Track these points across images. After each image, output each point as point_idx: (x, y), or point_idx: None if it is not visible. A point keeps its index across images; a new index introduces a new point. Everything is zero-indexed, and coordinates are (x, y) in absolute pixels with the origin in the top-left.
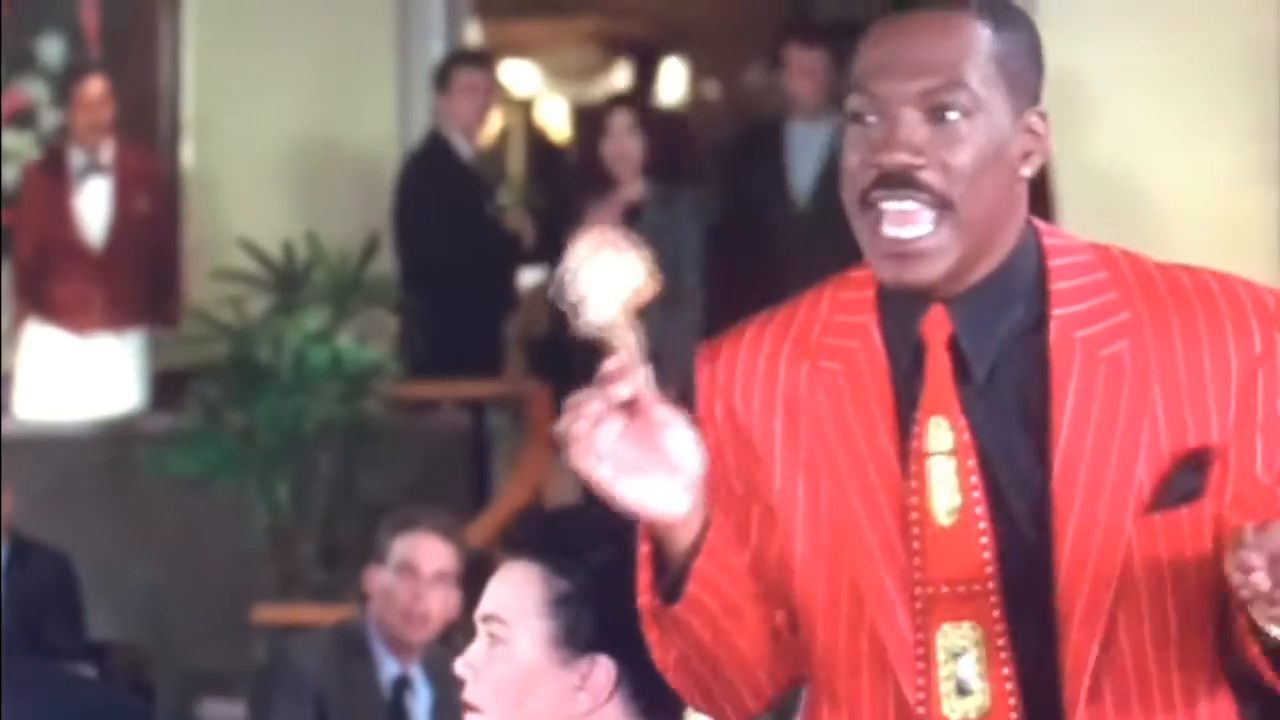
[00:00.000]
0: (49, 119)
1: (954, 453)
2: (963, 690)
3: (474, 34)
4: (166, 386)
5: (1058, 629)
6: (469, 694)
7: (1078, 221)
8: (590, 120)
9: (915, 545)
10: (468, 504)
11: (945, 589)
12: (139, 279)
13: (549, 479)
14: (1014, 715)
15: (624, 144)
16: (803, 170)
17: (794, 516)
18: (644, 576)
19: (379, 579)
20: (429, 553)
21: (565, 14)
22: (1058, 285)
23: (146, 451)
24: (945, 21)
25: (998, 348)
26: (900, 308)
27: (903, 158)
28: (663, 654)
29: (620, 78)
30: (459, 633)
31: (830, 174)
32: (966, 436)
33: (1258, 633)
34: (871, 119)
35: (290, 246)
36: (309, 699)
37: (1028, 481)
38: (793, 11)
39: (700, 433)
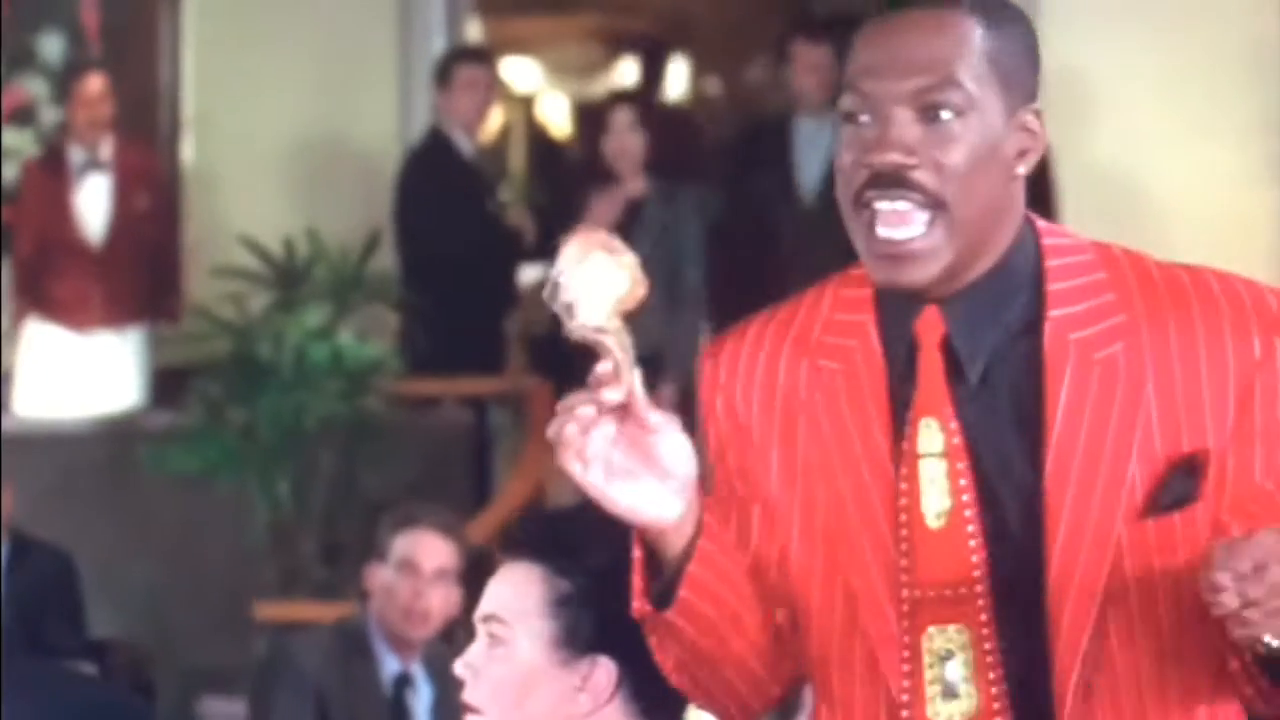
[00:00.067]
0: (49, 116)
1: (945, 455)
2: (949, 693)
3: (475, 30)
4: (167, 384)
5: (1048, 632)
6: (468, 695)
7: (1080, 220)
8: (591, 117)
9: (904, 547)
10: (469, 501)
11: (933, 592)
12: (139, 276)
13: (550, 476)
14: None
15: (625, 141)
16: (809, 167)
17: (791, 516)
18: (637, 582)
19: (380, 576)
20: (430, 550)
21: (566, 10)
22: (1054, 286)
23: (147, 449)
24: (938, 20)
25: (992, 348)
26: (897, 307)
27: (895, 158)
28: (662, 657)
29: (621, 74)
30: (460, 630)
31: None
32: (958, 440)
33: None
34: (864, 118)
35: (291, 243)
36: (310, 696)
37: (1020, 483)
38: (794, 7)
39: (703, 429)
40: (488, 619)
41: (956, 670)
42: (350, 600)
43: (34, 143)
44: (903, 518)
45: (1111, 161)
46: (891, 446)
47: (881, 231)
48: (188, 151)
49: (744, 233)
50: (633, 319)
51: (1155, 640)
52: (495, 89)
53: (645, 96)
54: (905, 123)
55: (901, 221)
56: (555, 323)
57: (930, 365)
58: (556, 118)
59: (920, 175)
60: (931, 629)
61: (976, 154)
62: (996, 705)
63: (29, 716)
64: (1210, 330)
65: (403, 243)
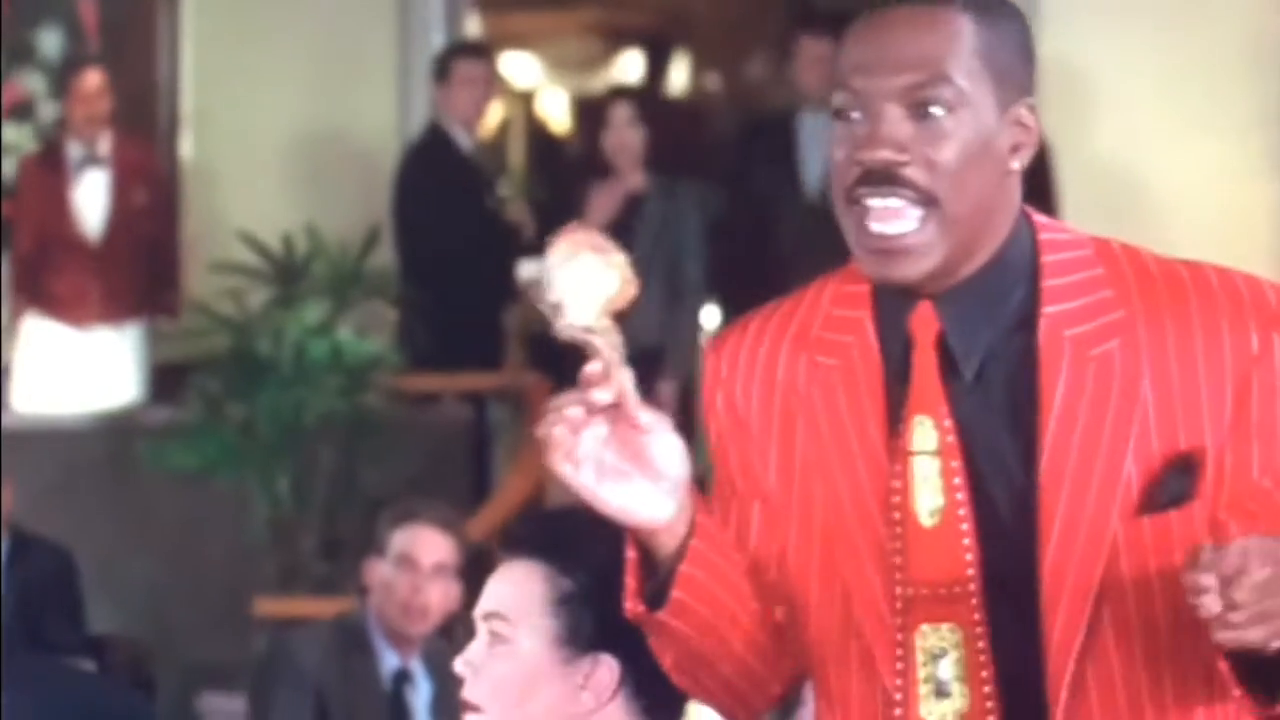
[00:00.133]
0: (47, 111)
1: (938, 453)
2: (941, 692)
3: (474, 26)
4: (166, 379)
5: (1041, 631)
6: (468, 692)
7: (1080, 215)
8: (591, 112)
9: (897, 545)
10: (468, 497)
11: (926, 590)
12: (137, 272)
13: (550, 472)
14: (993, 719)
15: (625, 136)
16: (814, 161)
17: (789, 513)
18: (630, 583)
19: (378, 571)
20: (428, 545)
21: (566, 5)
22: (1050, 282)
23: (146, 445)
24: (929, 16)
25: (987, 345)
26: (893, 303)
27: (885, 155)
28: (661, 655)
29: (621, 69)
30: (460, 627)
31: None
32: (951, 438)
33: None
34: (855, 115)
35: (290, 239)
36: (309, 693)
37: (1014, 480)
38: (794, 3)
39: (705, 424)
40: (489, 616)
41: (948, 669)
42: (351, 596)
43: (32, 138)
44: (896, 516)
45: (1112, 157)
46: (887, 444)
47: (874, 227)
48: (186, 147)
49: (748, 228)
50: (627, 316)
51: (1152, 639)
52: (494, 84)
53: (645, 92)
54: (896, 119)
55: (894, 217)
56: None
57: (925, 362)
58: (556, 113)
59: (911, 172)
60: (924, 627)
61: (968, 150)
62: (989, 705)
63: (29, 712)
64: (1207, 326)
65: (402, 238)
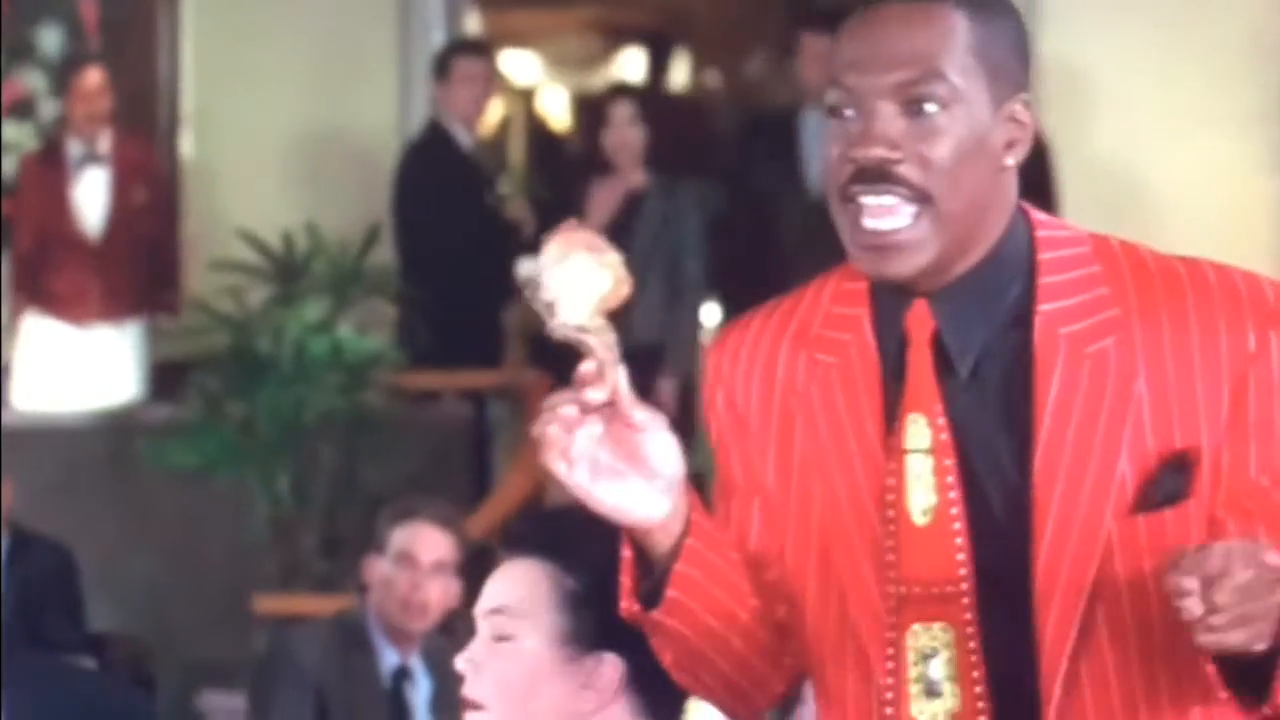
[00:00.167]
0: (47, 109)
1: (932, 451)
2: (932, 692)
3: (474, 23)
4: (166, 377)
5: (1034, 630)
6: (469, 690)
7: (1080, 212)
8: (591, 110)
9: (890, 543)
10: (469, 494)
11: (918, 589)
12: (137, 270)
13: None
14: (984, 719)
15: (625, 134)
16: (818, 159)
17: (787, 511)
18: (626, 582)
19: (378, 569)
20: (427, 542)
21: (565, 3)
22: (1046, 279)
23: (146, 443)
24: (923, 12)
25: (983, 342)
26: (889, 301)
27: (878, 152)
28: (661, 654)
29: (621, 67)
30: (460, 624)
31: None
32: (945, 436)
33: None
34: (849, 113)
35: (290, 237)
36: (309, 690)
37: (1008, 478)
38: (795, 1)
39: (706, 422)
40: (491, 614)
41: (939, 669)
42: (350, 594)
43: (33, 136)
44: (890, 514)
45: (1112, 155)
46: (884, 442)
47: (867, 223)
48: (186, 145)
49: (748, 226)
50: (621, 315)
51: (1147, 638)
52: (494, 82)
53: (645, 89)
54: (889, 117)
55: (887, 214)
56: None
57: (920, 361)
58: (556, 111)
59: (905, 169)
60: (916, 626)
61: (962, 147)
62: (980, 704)
63: (29, 710)
64: (1204, 323)
65: (402, 236)
